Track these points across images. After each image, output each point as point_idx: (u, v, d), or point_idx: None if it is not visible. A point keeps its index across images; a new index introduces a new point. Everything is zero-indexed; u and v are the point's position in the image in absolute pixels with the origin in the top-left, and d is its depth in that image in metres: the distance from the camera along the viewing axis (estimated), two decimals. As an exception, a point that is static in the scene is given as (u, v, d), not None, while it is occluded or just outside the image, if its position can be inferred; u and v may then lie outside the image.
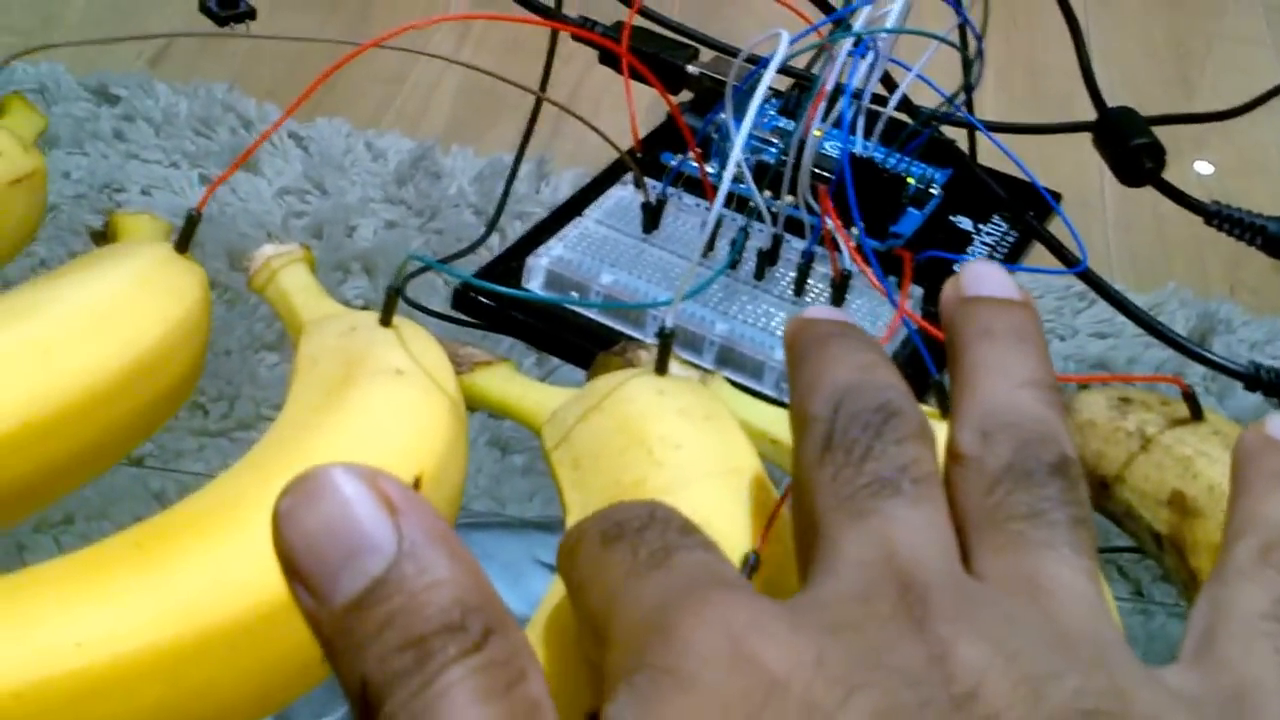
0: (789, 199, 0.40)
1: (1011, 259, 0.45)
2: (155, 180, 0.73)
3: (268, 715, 0.27)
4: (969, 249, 0.46)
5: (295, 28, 0.88)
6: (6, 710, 0.23)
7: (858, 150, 0.44)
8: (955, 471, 0.21)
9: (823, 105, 0.39)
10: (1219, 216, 0.42)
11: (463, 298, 0.41)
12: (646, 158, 0.47)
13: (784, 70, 0.39)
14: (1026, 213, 0.43)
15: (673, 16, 0.46)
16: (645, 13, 0.43)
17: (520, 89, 0.38)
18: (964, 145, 0.45)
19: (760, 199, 0.39)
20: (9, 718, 0.23)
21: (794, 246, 0.41)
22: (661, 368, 0.31)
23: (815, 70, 0.44)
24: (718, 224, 0.41)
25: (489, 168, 0.75)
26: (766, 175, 0.43)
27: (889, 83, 0.43)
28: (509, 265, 0.42)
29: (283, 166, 0.75)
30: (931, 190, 0.47)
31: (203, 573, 0.25)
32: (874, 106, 0.43)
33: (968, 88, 0.43)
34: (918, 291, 0.41)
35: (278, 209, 0.72)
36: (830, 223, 0.38)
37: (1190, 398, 0.35)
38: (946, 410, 0.30)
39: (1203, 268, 0.76)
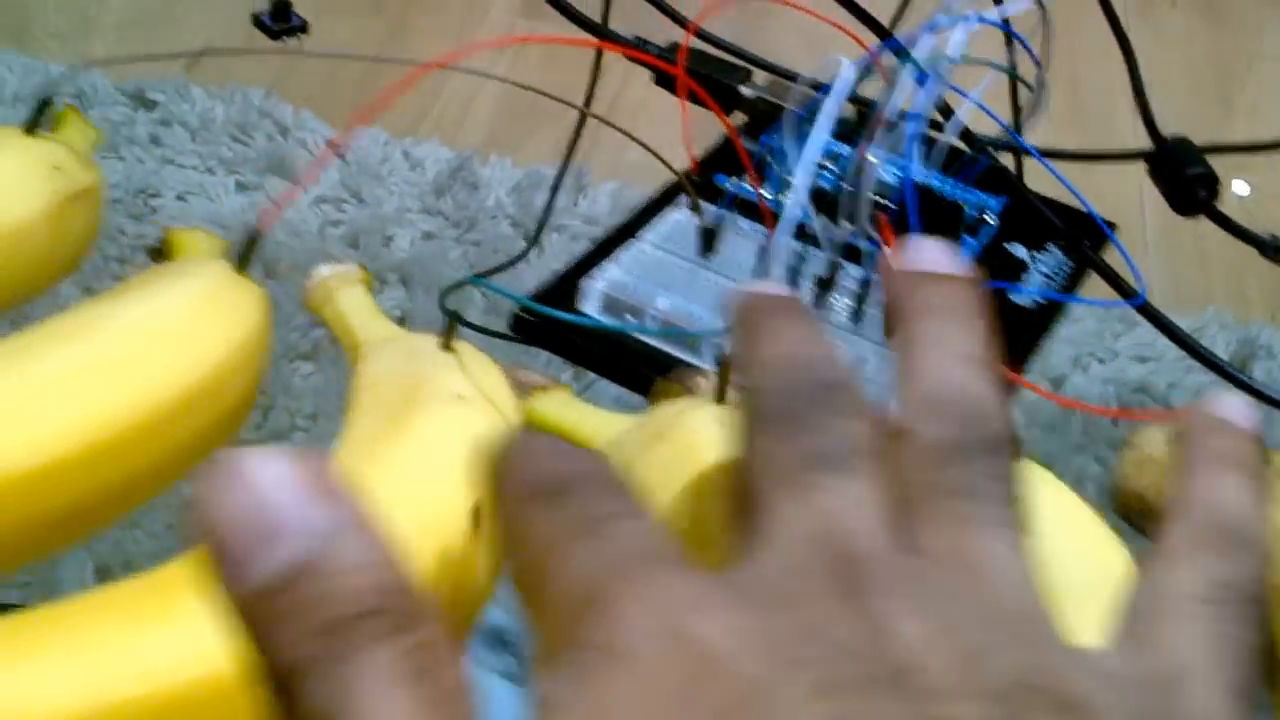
0: (848, 226, 0.40)
1: (1069, 289, 0.45)
2: (191, 186, 0.73)
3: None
4: (1024, 277, 0.45)
5: (336, 34, 0.88)
6: None
7: (917, 178, 0.44)
8: (893, 446, 0.21)
9: (880, 131, 0.39)
10: (1276, 250, 0.41)
11: (521, 321, 0.41)
12: (700, 179, 0.47)
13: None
14: (1083, 242, 0.43)
15: (718, 34, 0.46)
16: (700, 34, 0.43)
17: (563, 103, 0.38)
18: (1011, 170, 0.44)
19: (819, 225, 0.39)
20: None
21: (850, 274, 0.41)
22: (721, 396, 0.31)
23: (866, 92, 0.43)
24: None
25: (527, 179, 0.75)
26: (823, 201, 0.43)
27: (944, 109, 0.43)
28: (563, 287, 0.41)
29: (319, 175, 0.75)
30: (986, 218, 0.46)
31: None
32: (931, 133, 0.43)
33: (1020, 117, 0.42)
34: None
35: (314, 218, 0.72)
36: (889, 251, 0.38)
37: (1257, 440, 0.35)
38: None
39: (1243, 293, 0.76)
